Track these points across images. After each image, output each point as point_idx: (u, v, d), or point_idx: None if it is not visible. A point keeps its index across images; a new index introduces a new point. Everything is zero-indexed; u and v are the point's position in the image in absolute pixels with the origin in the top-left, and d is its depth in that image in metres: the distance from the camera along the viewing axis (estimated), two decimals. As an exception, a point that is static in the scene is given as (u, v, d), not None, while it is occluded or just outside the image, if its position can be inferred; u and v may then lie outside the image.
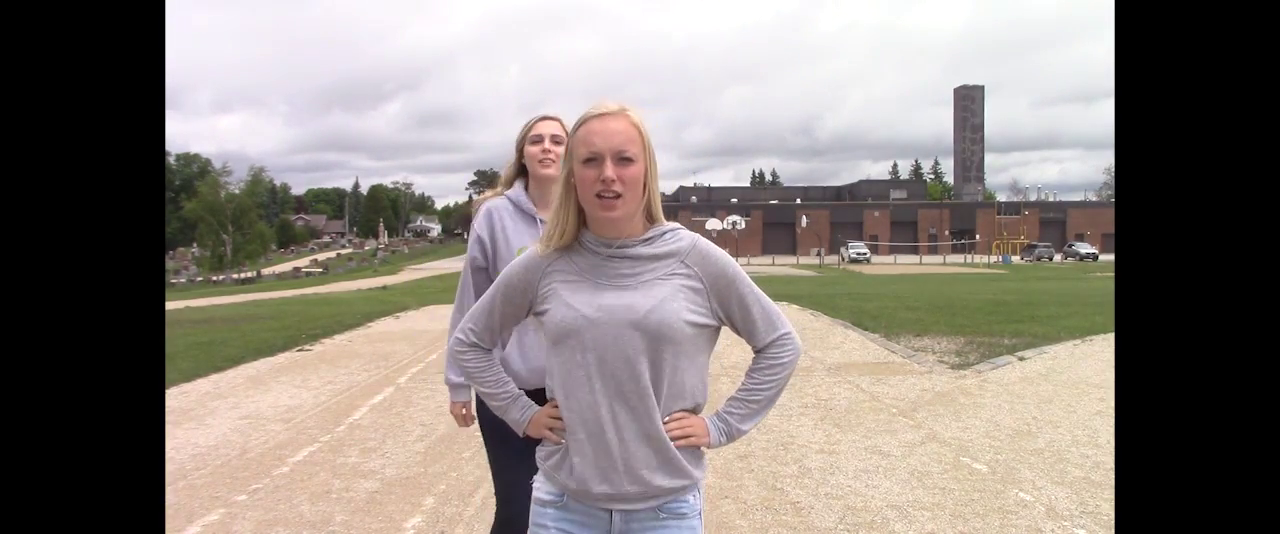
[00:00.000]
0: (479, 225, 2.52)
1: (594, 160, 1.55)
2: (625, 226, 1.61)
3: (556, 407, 1.67)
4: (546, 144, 2.47)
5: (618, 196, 1.56)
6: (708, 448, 1.68)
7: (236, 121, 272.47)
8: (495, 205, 2.52)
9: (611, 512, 1.63)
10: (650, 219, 1.65)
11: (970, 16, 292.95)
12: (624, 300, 1.59)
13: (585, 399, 1.59)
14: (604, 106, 1.59)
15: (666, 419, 1.62)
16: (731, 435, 1.70)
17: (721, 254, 1.68)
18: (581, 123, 1.60)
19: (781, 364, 1.71)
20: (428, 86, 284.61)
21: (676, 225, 1.68)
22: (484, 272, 2.49)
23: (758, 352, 1.72)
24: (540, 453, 1.73)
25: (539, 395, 2.42)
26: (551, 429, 1.69)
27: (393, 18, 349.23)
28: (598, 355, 1.58)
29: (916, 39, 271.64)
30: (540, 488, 1.71)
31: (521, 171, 2.55)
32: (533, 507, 1.71)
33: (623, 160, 1.55)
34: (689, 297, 1.62)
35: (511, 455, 2.37)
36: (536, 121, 2.51)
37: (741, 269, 1.68)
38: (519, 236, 2.47)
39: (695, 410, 1.67)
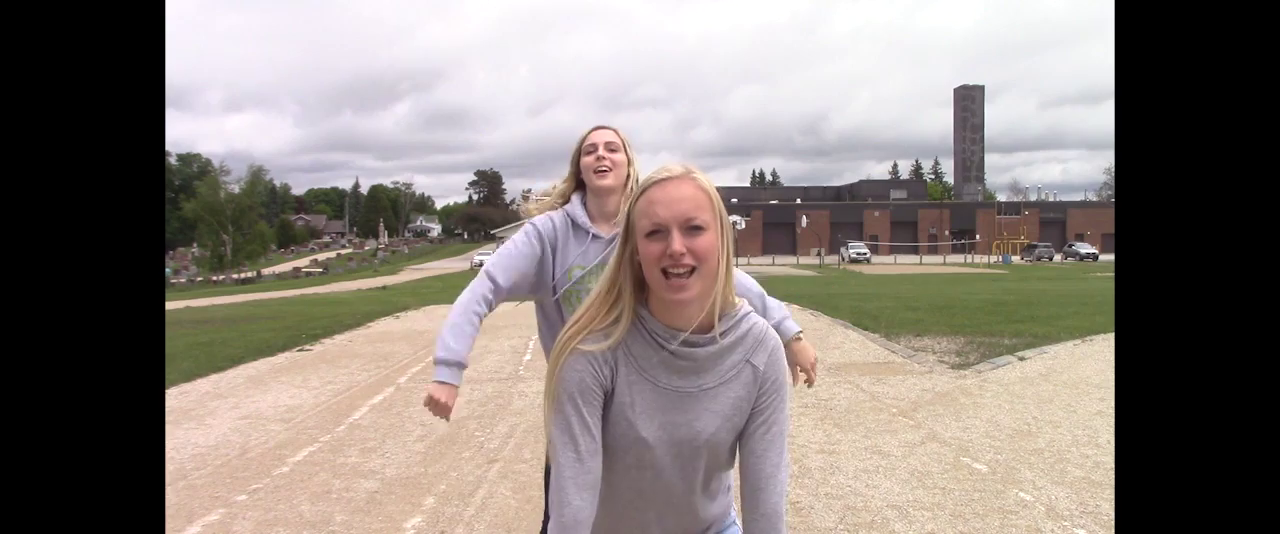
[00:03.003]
0: (542, 226, 2.41)
1: (659, 233, 1.35)
2: (697, 312, 1.40)
3: None
4: (600, 152, 2.40)
5: (691, 271, 1.35)
6: None
7: (245, 121, 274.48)
8: (553, 217, 2.43)
9: None
10: (724, 306, 1.44)
11: (980, 18, 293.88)
12: (687, 417, 1.43)
13: (633, 512, 1.50)
14: (667, 170, 1.40)
15: None
16: None
17: (784, 359, 1.51)
18: (641, 192, 1.40)
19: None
20: (438, 87, 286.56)
21: (744, 304, 1.48)
22: (534, 252, 2.38)
23: (748, 473, 1.49)
24: None
25: None
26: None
27: (411, 17, 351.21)
28: (654, 473, 1.45)
29: (926, 40, 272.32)
30: None
31: (578, 186, 2.48)
32: None
33: (692, 230, 1.35)
34: (746, 402, 1.46)
35: None
36: (590, 132, 2.46)
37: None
38: (566, 255, 2.39)
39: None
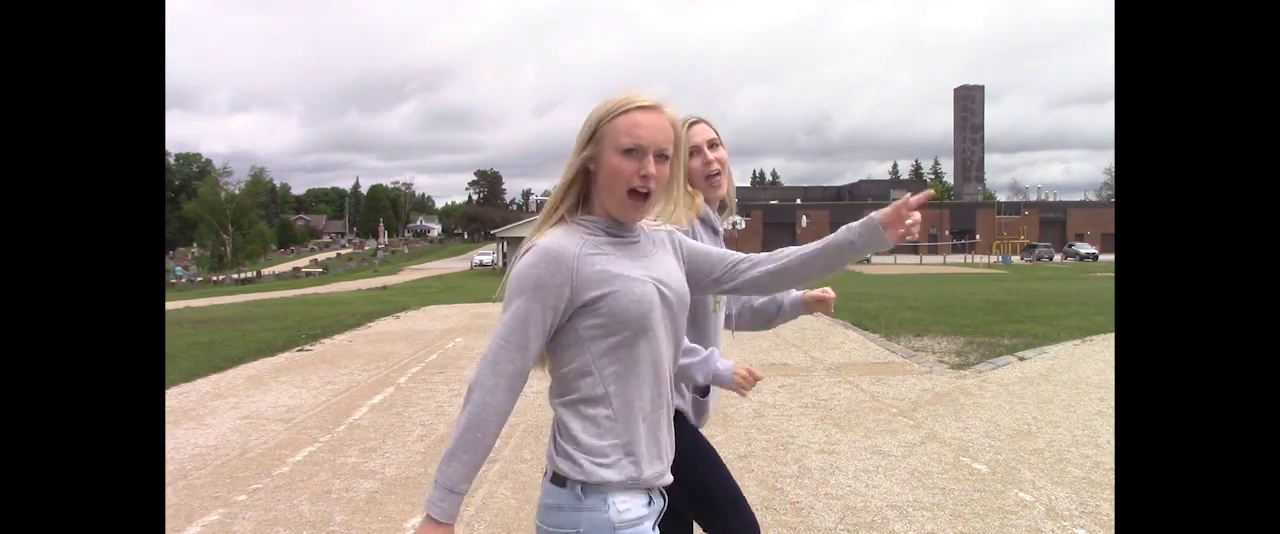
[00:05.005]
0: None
1: (635, 152, 1.48)
2: (635, 222, 1.58)
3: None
4: (707, 155, 2.21)
5: (648, 195, 1.51)
6: None
7: (250, 121, 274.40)
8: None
9: (664, 490, 1.60)
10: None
11: (987, 18, 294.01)
12: (665, 270, 1.56)
13: (656, 384, 1.54)
14: (644, 98, 1.51)
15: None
16: None
17: None
18: (622, 111, 1.50)
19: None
20: (444, 87, 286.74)
21: None
22: None
23: (736, 266, 1.71)
24: (615, 467, 1.50)
25: None
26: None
27: (421, 18, 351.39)
28: (670, 326, 1.54)
29: (934, 40, 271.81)
30: (630, 507, 1.50)
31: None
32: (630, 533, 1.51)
33: (661, 158, 1.50)
34: (681, 263, 1.65)
35: (721, 465, 2.24)
36: (689, 126, 2.20)
37: None
38: None
39: None
